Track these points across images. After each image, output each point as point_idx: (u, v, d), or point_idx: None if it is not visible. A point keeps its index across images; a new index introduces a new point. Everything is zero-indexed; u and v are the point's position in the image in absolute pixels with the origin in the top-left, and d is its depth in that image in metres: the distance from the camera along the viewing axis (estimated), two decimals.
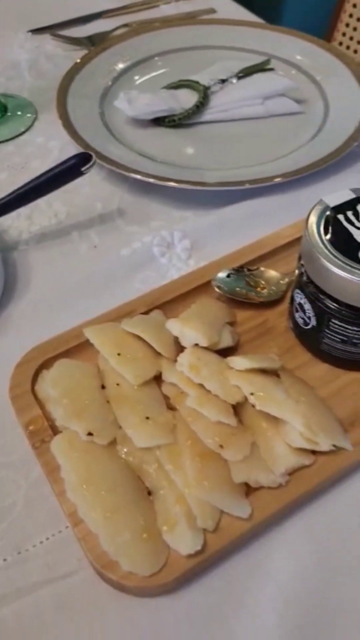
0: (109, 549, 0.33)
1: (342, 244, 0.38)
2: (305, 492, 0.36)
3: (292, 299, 0.43)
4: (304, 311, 0.41)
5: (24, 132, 0.67)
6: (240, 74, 0.67)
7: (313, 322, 0.41)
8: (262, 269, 0.48)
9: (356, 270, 0.36)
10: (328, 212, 0.39)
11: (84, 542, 0.34)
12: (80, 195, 0.58)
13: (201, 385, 0.38)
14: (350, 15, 1.10)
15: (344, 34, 1.13)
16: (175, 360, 0.40)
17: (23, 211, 0.55)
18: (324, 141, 0.60)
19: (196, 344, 0.41)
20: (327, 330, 0.40)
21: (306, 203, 0.54)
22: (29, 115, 0.69)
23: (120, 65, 0.72)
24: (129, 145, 0.62)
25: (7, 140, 0.66)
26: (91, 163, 0.51)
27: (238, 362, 0.39)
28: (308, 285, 0.40)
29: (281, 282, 0.47)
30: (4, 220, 0.54)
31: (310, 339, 0.42)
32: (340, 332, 0.40)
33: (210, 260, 0.49)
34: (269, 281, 0.47)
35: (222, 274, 0.47)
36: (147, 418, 0.38)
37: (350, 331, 0.39)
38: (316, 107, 0.66)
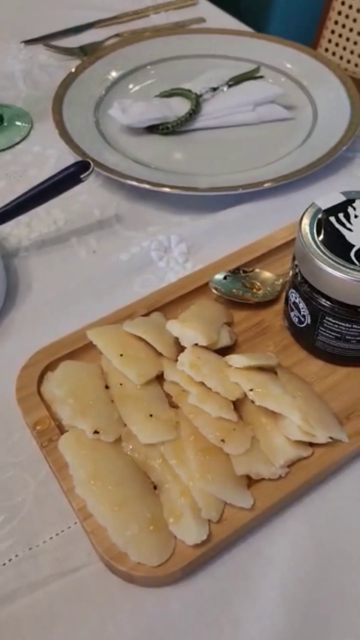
0: (118, 541, 0.34)
1: (334, 244, 0.39)
2: (304, 482, 0.37)
3: (287, 299, 0.45)
4: (298, 310, 0.43)
5: (20, 142, 0.68)
6: (231, 82, 0.69)
7: (308, 320, 0.43)
8: (257, 270, 0.50)
9: (348, 270, 0.38)
10: (320, 215, 0.41)
11: (93, 535, 0.35)
12: (78, 202, 0.59)
13: (202, 383, 0.40)
14: (336, 22, 1.13)
15: (329, 41, 1.15)
16: (176, 360, 0.42)
17: (22, 218, 0.56)
18: (313, 146, 0.62)
19: (196, 344, 0.42)
20: (322, 328, 0.42)
21: (298, 206, 0.56)
22: (25, 124, 0.70)
23: (114, 74, 0.74)
24: (124, 153, 0.64)
25: (4, 150, 0.67)
26: (89, 171, 0.52)
27: (237, 360, 0.41)
28: (302, 284, 0.41)
29: (276, 282, 0.49)
30: (3, 227, 0.55)
31: (306, 337, 0.44)
32: (334, 329, 0.41)
33: (207, 263, 0.51)
34: (264, 282, 0.49)
35: (219, 276, 0.49)
36: (151, 415, 0.39)
37: (343, 328, 0.41)
38: (305, 113, 0.68)
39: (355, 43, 1.12)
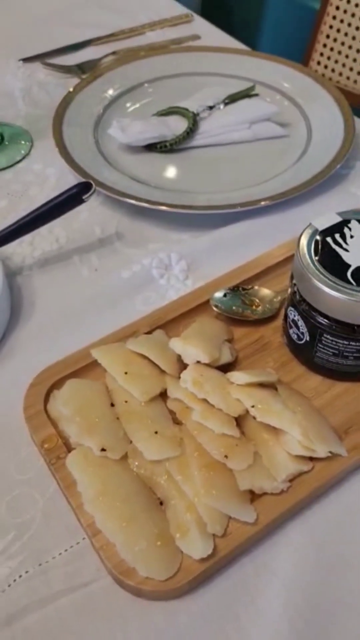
0: (127, 556, 0.36)
1: (331, 264, 0.41)
2: (306, 496, 0.39)
3: (286, 316, 0.46)
4: (297, 327, 0.44)
5: (21, 160, 0.69)
6: (227, 100, 0.71)
7: (306, 337, 0.44)
8: (256, 287, 0.51)
9: (345, 289, 0.39)
10: (317, 235, 0.43)
11: (102, 551, 0.36)
12: (80, 221, 0.61)
13: (205, 400, 0.41)
14: (327, 36, 1.15)
15: (321, 54, 1.17)
16: (179, 377, 0.43)
17: (25, 237, 0.57)
18: (308, 164, 0.64)
19: (198, 361, 0.44)
20: (320, 345, 0.43)
21: (294, 222, 0.57)
22: (25, 143, 0.71)
23: (112, 93, 0.76)
24: (123, 171, 0.65)
25: (5, 169, 0.68)
26: (91, 191, 0.54)
27: (238, 377, 0.42)
28: (301, 303, 0.43)
29: (274, 299, 0.50)
30: (7, 247, 0.57)
31: (304, 353, 0.45)
32: (332, 346, 0.43)
33: (207, 280, 0.52)
34: (263, 299, 0.50)
35: (219, 294, 0.50)
36: (156, 432, 0.40)
37: (341, 345, 0.42)
38: (300, 130, 0.70)
39: (347, 56, 1.14)
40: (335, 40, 1.14)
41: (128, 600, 0.36)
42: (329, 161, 0.62)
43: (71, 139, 0.67)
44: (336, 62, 1.16)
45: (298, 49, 1.21)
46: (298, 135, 0.69)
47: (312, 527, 0.39)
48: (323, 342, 0.43)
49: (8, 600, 0.36)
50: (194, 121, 0.68)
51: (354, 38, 1.11)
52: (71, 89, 0.74)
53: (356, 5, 1.08)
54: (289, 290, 0.45)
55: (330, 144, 0.65)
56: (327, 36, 1.15)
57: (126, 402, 0.42)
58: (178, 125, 0.68)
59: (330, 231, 0.43)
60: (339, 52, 1.15)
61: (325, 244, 0.42)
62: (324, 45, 1.16)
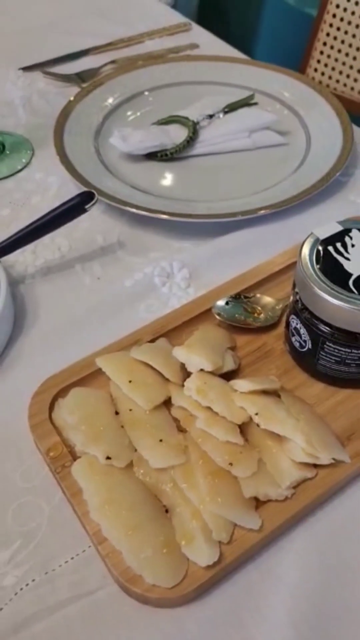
0: (133, 564, 0.36)
1: (333, 273, 0.41)
2: (309, 502, 0.39)
3: (288, 324, 0.47)
4: (299, 335, 0.45)
5: (22, 169, 0.70)
6: (227, 109, 0.71)
7: (308, 345, 0.44)
8: (258, 295, 0.52)
9: (347, 298, 0.40)
10: (319, 244, 0.43)
11: (109, 559, 0.37)
12: (82, 229, 0.61)
13: (209, 408, 0.42)
14: (324, 44, 1.16)
15: (318, 61, 1.18)
16: (183, 385, 0.43)
17: (27, 246, 0.58)
18: (308, 172, 0.64)
19: (201, 369, 0.44)
20: (322, 352, 0.44)
21: (295, 231, 0.58)
22: (26, 152, 0.72)
23: (112, 102, 0.76)
24: (124, 180, 0.65)
25: (6, 177, 0.69)
26: (94, 201, 0.54)
27: (242, 384, 0.43)
28: (303, 311, 0.43)
29: (276, 307, 0.51)
30: (9, 255, 0.57)
31: (307, 361, 0.46)
32: (334, 353, 0.43)
33: (209, 288, 0.53)
34: (264, 307, 0.51)
35: (221, 302, 0.50)
36: (161, 440, 0.41)
37: (343, 352, 0.43)
38: (299, 138, 0.70)
39: (343, 64, 1.15)
40: (332, 47, 1.15)
41: (134, 608, 0.36)
42: (328, 169, 0.63)
43: (72, 148, 0.67)
44: (333, 69, 1.17)
45: (295, 56, 1.23)
46: (297, 143, 0.70)
47: (317, 533, 0.39)
48: (325, 349, 0.43)
49: (15, 608, 0.37)
50: (194, 130, 0.69)
51: (350, 45, 1.12)
52: (72, 98, 0.74)
53: (352, 13, 1.10)
54: (291, 298, 0.46)
55: (329, 152, 0.66)
56: (324, 43, 1.16)
57: (131, 410, 0.43)
58: (178, 134, 0.69)
59: (331, 240, 0.43)
60: (336, 59, 1.16)
61: (326, 252, 0.43)
62: (321, 53, 1.17)
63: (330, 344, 0.43)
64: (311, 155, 0.67)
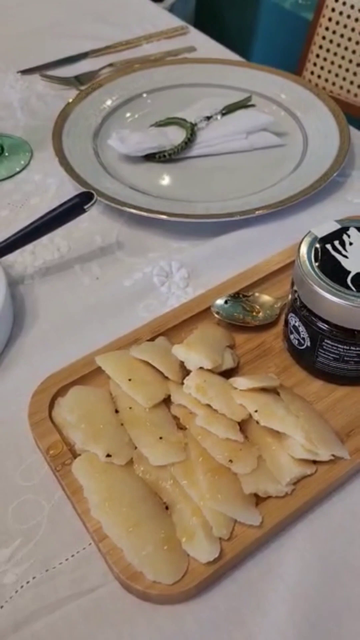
0: (134, 561, 0.36)
1: (331, 271, 0.41)
2: (309, 499, 0.39)
3: (287, 322, 0.47)
4: (298, 333, 0.45)
5: (21, 171, 0.70)
6: (224, 111, 0.72)
7: (307, 342, 0.45)
8: (256, 294, 0.52)
9: (345, 295, 0.40)
10: (317, 243, 0.43)
11: (109, 556, 0.37)
12: (80, 230, 0.61)
13: (208, 405, 0.42)
14: (320, 47, 1.17)
15: (314, 64, 1.19)
16: (182, 383, 0.44)
17: (26, 247, 0.58)
18: (305, 172, 0.65)
19: (201, 367, 0.44)
20: (321, 350, 0.44)
21: (292, 230, 0.58)
22: (25, 153, 0.72)
23: (110, 104, 0.76)
24: (123, 181, 0.66)
25: (5, 179, 0.69)
26: (93, 201, 0.54)
27: (241, 382, 0.43)
28: (301, 309, 0.43)
29: (275, 306, 0.51)
30: (8, 256, 0.57)
31: (306, 358, 0.46)
32: (333, 351, 0.43)
33: (207, 287, 0.53)
34: (263, 305, 0.51)
35: (220, 301, 0.51)
36: (161, 438, 0.41)
37: (342, 350, 0.43)
38: (296, 139, 0.71)
39: (339, 66, 1.16)
40: (327, 50, 1.16)
41: (135, 605, 0.37)
42: (325, 170, 0.63)
43: (71, 150, 0.67)
44: (329, 71, 1.18)
45: (291, 59, 1.23)
46: (294, 144, 0.70)
47: (316, 529, 0.40)
48: (324, 347, 0.44)
49: (15, 606, 0.37)
50: (191, 131, 0.69)
51: (346, 48, 1.13)
52: (70, 100, 0.75)
53: (348, 16, 1.10)
54: (290, 296, 0.46)
55: (326, 153, 0.66)
56: (320, 47, 1.17)
57: (130, 408, 0.43)
58: (176, 136, 0.69)
59: (329, 238, 0.44)
60: (332, 62, 1.16)
61: (324, 251, 0.43)
62: (317, 56, 1.18)
63: (329, 342, 0.43)
64: (308, 156, 0.67)
